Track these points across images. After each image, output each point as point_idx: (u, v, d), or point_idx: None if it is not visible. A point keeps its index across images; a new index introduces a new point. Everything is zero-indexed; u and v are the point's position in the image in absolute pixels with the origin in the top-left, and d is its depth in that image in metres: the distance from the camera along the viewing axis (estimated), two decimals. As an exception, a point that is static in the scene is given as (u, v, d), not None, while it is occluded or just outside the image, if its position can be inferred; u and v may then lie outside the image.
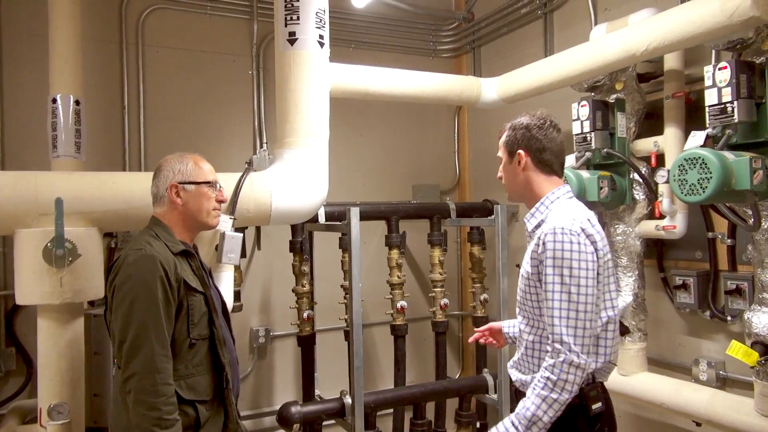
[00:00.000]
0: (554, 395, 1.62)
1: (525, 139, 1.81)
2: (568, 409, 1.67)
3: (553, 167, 1.82)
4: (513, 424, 1.65)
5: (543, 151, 1.80)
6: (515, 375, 1.87)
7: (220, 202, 1.97)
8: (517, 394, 1.90)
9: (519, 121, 1.84)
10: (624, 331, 2.73)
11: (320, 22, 2.60)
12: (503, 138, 1.88)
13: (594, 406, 1.70)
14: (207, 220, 1.93)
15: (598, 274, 1.68)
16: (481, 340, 2.21)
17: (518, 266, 1.95)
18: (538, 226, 1.78)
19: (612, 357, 1.76)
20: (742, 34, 2.16)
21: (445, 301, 3.65)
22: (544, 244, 1.68)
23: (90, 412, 2.59)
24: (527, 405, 1.64)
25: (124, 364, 1.69)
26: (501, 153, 1.89)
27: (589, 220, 1.73)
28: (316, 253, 3.58)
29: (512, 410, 1.74)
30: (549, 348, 1.66)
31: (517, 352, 1.89)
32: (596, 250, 1.68)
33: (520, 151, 1.81)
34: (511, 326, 2.15)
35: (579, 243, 1.65)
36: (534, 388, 1.65)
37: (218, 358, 1.84)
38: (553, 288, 1.65)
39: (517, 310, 1.88)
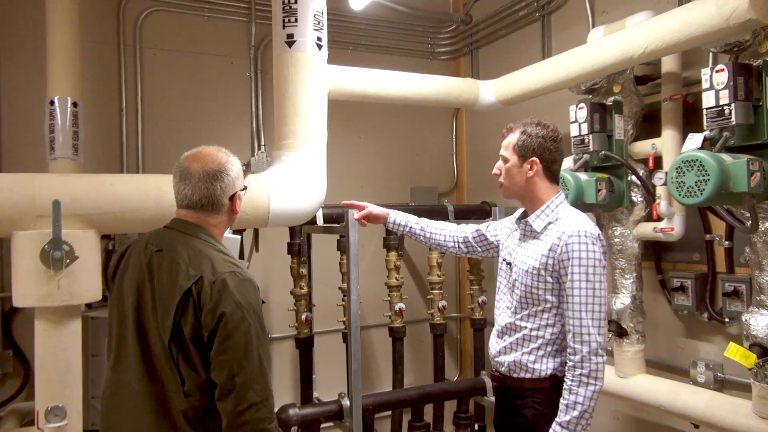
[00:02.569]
0: (591, 387, 1.79)
1: (540, 149, 1.94)
2: (556, 388, 1.87)
3: (557, 178, 2.00)
4: (566, 427, 1.80)
5: (554, 163, 1.97)
6: (508, 358, 1.98)
7: None
8: (501, 380, 2.03)
9: (534, 129, 1.95)
10: (622, 333, 2.73)
11: (318, 24, 2.60)
12: (514, 140, 1.97)
13: None
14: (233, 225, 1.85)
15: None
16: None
17: (506, 262, 2.02)
18: (545, 227, 1.93)
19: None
20: (740, 37, 2.16)
21: (443, 303, 3.65)
22: (566, 245, 1.84)
23: (87, 415, 2.58)
24: (571, 404, 1.79)
25: (237, 397, 1.54)
26: (507, 153, 1.98)
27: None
28: (314, 255, 3.58)
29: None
30: (571, 343, 1.82)
31: (503, 340, 2.02)
32: (604, 252, 1.88)
33: (535, 159, 1.94)
34: (401, 222, 2.38)
35: (598, 246, 1.85)
36: (570, 390, 1.80)
37: None
38: (579, 285, 1.82)
39: (509, 302, 2.02)
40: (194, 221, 1.70)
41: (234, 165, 1.74)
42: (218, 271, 1.58)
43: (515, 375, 1.97)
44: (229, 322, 1.54)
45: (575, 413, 1.79)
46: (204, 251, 1.63)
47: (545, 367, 1.92)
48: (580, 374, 1.79)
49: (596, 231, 1.87)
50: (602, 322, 1.83)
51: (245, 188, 1.80)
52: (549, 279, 1.88)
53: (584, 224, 1.87)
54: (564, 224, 1.88)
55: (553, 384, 1.91)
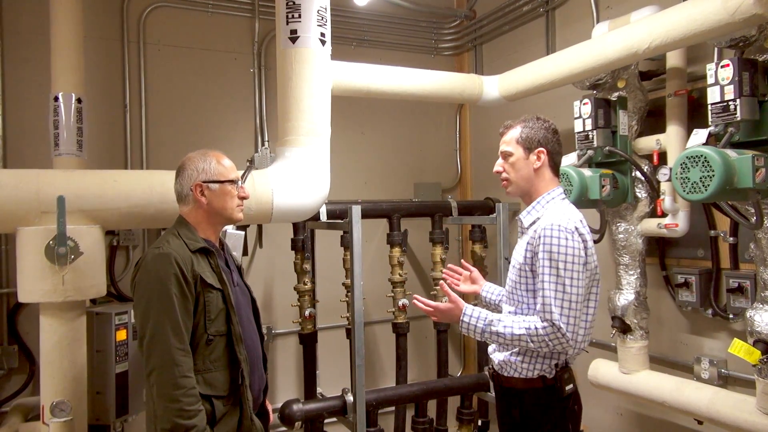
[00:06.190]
0: (528, 339, 1.81)
1: (546, 140, 1.97)
2: (546, 390, 1.90)
3: (558, 170, 2.03)
4: (485, 319, 1.89)
5: (557, 155, 2.00)
6: (499, 356, 2.00)
7: (242, 198, 2.01)
8: (496, 377, 2.07)
9: (535, 123, 1.99)
10: (626, 329, 2.73)
11: (322, 19, 2.60)
12: (516, 134, 1.99)
13: (567, 387, 1.92)
14: (232, 215, 1.98)
15: (586, 268, 1.85)
16: (450, 280, 2.31)
17: (507, 259, 2.06)
18: (533, 223, 1.94)
19: (584, 345, 1.95)
20: (745, 32, 2.15)
21: (446, 299, 3.65)
22: (539, 237, 1.84)
23: (92, 409, 2.59)
24: (506, 323, 1.85)
25: (145, 360, 1.75)
26: (511, 147, 2.00)
27: (581, 221, 1.91)
28: (317, 251, 3.58)
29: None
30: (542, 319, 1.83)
31: None
32: (586, 248, 1.86)
33: (542, 149, 1.96)
34: (489, 292, 2.28)
35: (573, 240, 1.82)
36: (521, 321, 1.84)
37: (235, 354, 1.86)
38: (549, 279, 1.81)
39: (506, 299, 2.05)
40: (180, 213, 1.97)
41: (203, 161, 1.94)
42: (151, 248, 1.83)
43: (505, 374, 1.98)
44: (137, 289, 1.80)
45: (501, 326, 1.83)
46: (163, 236, 1.89)
47: (533, 368, 1.92)
48: (536, 328, 1.79)
49: (572, 225, 1.84)
50: (573, 318, 1.79)
51: (220, 182, 1.93)
52: (530, 274, 1.90)
53: (561, 218, 1.85)
54: (544, 219, 1.89)
55: (544, 385, 1.91)
